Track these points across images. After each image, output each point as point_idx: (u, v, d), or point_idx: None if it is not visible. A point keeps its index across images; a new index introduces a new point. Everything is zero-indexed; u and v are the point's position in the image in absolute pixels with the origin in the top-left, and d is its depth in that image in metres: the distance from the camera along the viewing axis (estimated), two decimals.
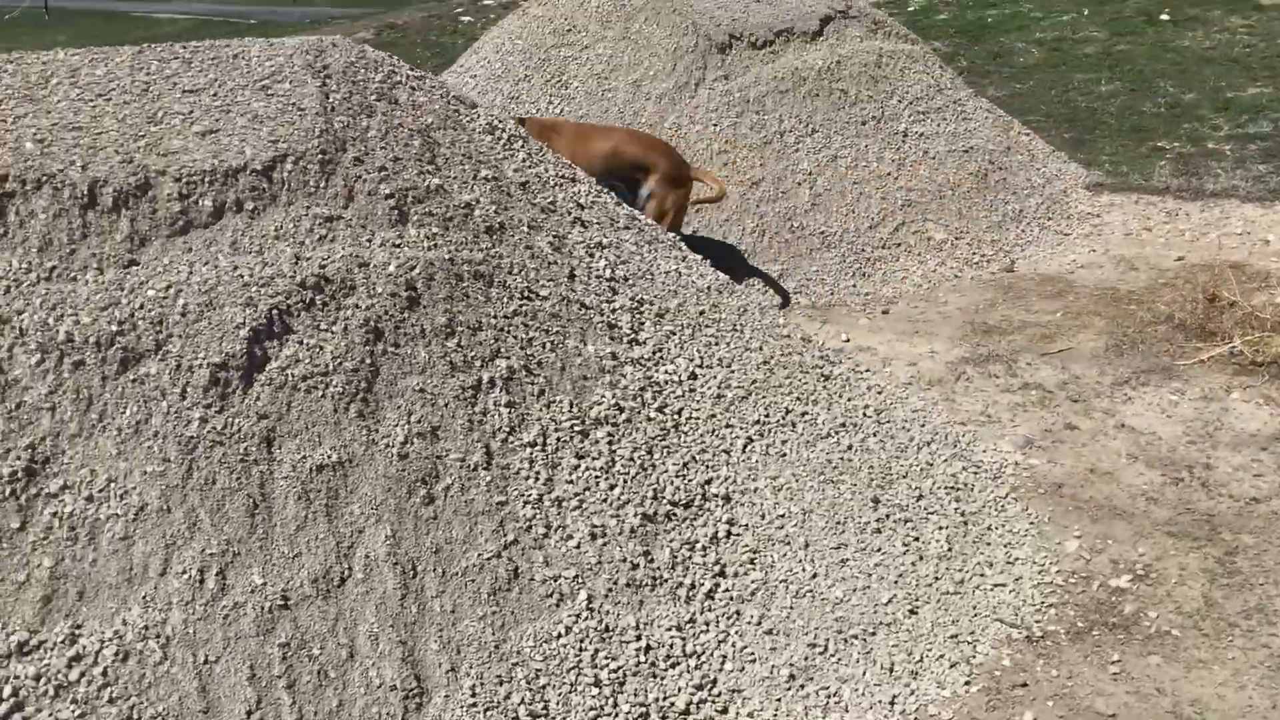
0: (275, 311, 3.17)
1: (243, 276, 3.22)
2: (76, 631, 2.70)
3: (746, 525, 3.55)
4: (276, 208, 3.49)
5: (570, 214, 4.26)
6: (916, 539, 3.72)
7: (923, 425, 4.41)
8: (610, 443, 3.51)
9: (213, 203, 3.40)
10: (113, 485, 2.85)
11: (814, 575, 3.49)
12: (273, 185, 3.51)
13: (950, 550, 3.73)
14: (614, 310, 3.95)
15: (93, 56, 3.79)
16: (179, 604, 2.77)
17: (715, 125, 6.80)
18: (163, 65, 3.80)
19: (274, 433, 3.02)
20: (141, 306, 3.07)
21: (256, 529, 2.90)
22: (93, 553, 2.78)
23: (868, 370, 5.11)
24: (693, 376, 3.93)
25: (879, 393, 4.51)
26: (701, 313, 4.26)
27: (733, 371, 4.06)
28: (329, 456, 3.04)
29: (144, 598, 2.76)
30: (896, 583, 3.55)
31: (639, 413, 3.66)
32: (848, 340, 5.63)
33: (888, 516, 3.76)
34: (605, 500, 3.37)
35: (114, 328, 3.01)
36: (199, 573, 2.80)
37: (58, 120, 3.47)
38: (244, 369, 3.06)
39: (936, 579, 3.61)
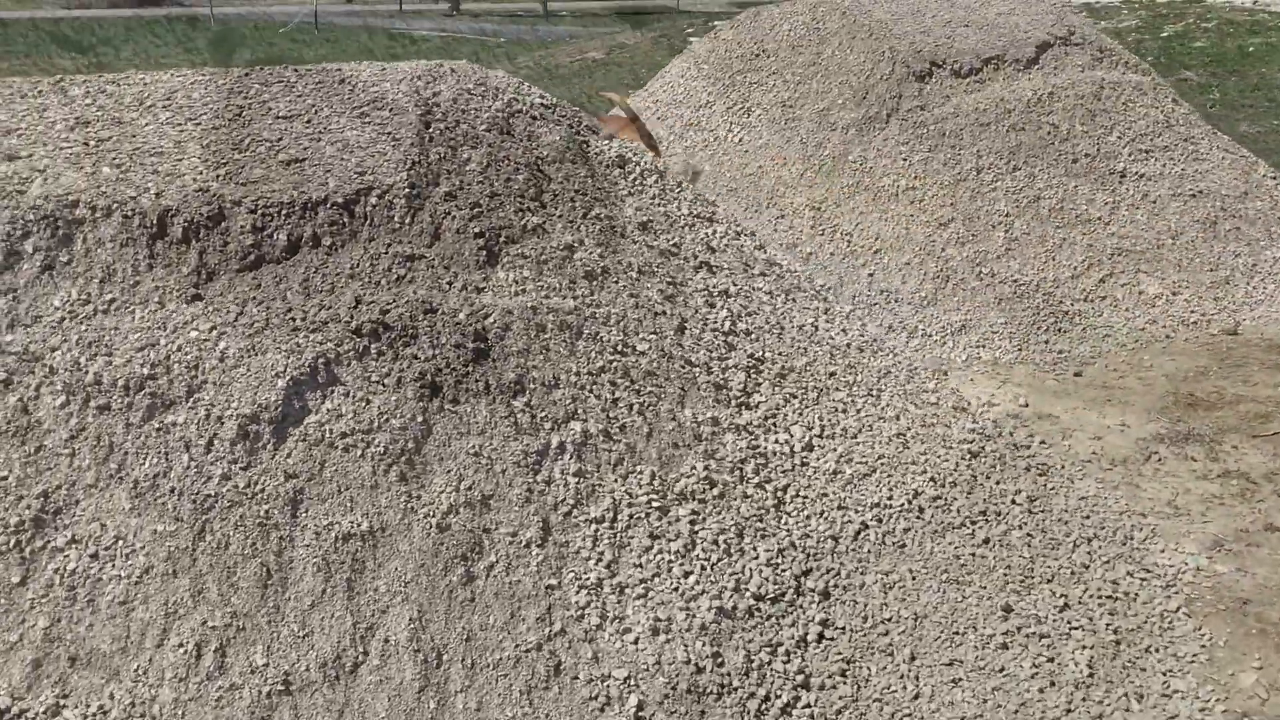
0: (322, 360, 2.92)
1: (294, 320, 2.98)
2: (62, 702, 2.51)
3: (844, 628, 3.09)
4: (356, 244, 3.27)
5: (696, 257, 3.89)
6: (1051, 660, 3.18)
7: (1087, 517, 3.83)
8: (693, 522, 3.12)
9: (287, 237, 3.20)
10: (120, 543, 2.65)
11: (916, 695, 3.00)
12: (354, 220, 3.28)
13: (1091, 676, 3.16)
14: (725, 369, 3.55)
15: (195, 79, 3.66)
16: (171, 680, 2.54)
17: (905, 159, 6.29)
18: (263, 89, 3.63)
19: (301, 494, 2.77)
20: (179, 348, 2.88)
21: (267, 601, 2.65)
22: (90, 616, 2.59)
23: (1041, 443, 4.54)
24: (808, 448, 3.50)
25: (1039, 474, 3.95)
26: (833, 374, 3.81)
27: (858, 443, 3.60)
28: (359, 524, 2.77)
29: (136, 670, 2.54)
30: (1017, 713, 3.02)
31: (734, 488, 3.26)
32: (1025, 405, 5.04)
33: (1019, 629, 3.23)
34: (677, 589, 2.98)
35: (145, 370, 2.82)
36: (196, 647, 2.56)
37: (141, 145, 3.34)
38: (277, 422, 2.82)
39: (1068, 711, 3.06)
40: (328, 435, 2.84)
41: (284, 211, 3.22)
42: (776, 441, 3.46)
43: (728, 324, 3.70)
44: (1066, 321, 5.84)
